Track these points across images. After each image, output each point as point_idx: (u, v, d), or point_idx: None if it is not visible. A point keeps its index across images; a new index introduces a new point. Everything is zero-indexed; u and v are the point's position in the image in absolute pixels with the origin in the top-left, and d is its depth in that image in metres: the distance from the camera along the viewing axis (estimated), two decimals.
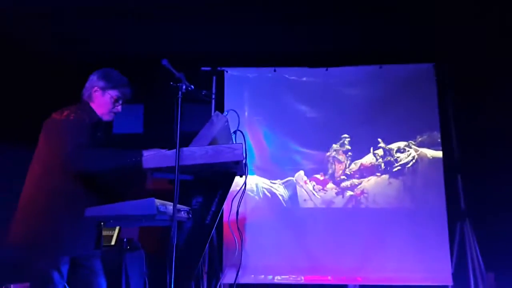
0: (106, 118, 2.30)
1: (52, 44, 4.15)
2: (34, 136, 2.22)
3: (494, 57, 3.92)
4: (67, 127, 2.09)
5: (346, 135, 4.19)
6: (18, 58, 3.92)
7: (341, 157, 4.20)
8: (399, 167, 4.14)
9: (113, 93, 2.28)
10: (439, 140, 4.11)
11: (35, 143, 2.21)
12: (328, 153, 4.21)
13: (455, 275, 3.82)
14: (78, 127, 2.09)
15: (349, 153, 4.19)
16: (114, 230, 3.50)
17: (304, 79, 4.33)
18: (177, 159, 1.98)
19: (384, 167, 4.15)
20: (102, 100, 2.27)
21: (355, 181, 4.15)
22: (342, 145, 4.20)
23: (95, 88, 2.27)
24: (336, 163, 4.20)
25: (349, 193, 4.14)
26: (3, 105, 3.72)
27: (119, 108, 2.32)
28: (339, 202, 4.13)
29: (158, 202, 1.96)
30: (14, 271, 2.61)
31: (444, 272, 3.82)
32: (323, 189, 4.16)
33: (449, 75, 4.17)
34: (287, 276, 3.98)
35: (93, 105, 2.27)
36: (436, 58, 4.21)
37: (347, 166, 4.19)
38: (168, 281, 1.90)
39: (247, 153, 2.25)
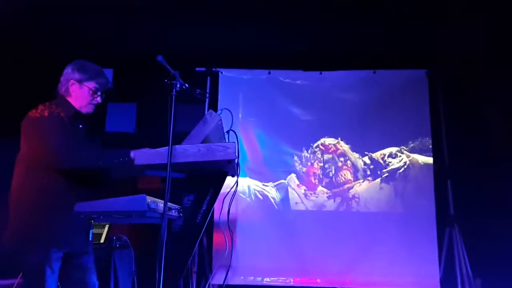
0: (85, 110, 2.25)
1: (47, 41, 4.12)
2: None
3: (486, 65, 3.97)
4: (42, 125, 2.06)
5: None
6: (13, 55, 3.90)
7: (333, 161, 4.22)
8: (390, 173, 4.16)
9: (90, 84, 2.24)
10: (430, 146, 4.15)
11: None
12: (319, 156, 4.23)
13: (443, 280, 3.84)
14: (54, 124, 2.06)
15: (341, 158, 4.21)
16: (104, 228, 3.47)
17: (298, 82, 4.35)
18: (170, 156, 1.97)
19: (375, 172, 4.17)
20: (80, 93, 2.23)
21: (347, 185, 4.17)
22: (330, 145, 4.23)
23: (72, 81, 2.22)
24: (330, 167, 4.22)
25: (340, 197, 4.15)
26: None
27: (99, 99, 2.28)
28: (330, 205, 4.14)
29: (149, 199, 1.96)
30: (4, 267, 2.58)
31: (432, 277, 3.85)
32: (314, 193, 4.17)
33: (441, 82, 4.21)
34: (276, 278, 3.98)
35: (70, 99, 2.22)
36: (429, 65, 4.25)
37: (339, 170, 4.20)
38: (157, 279, 1.89)
39: (239, 153, 2.26)
